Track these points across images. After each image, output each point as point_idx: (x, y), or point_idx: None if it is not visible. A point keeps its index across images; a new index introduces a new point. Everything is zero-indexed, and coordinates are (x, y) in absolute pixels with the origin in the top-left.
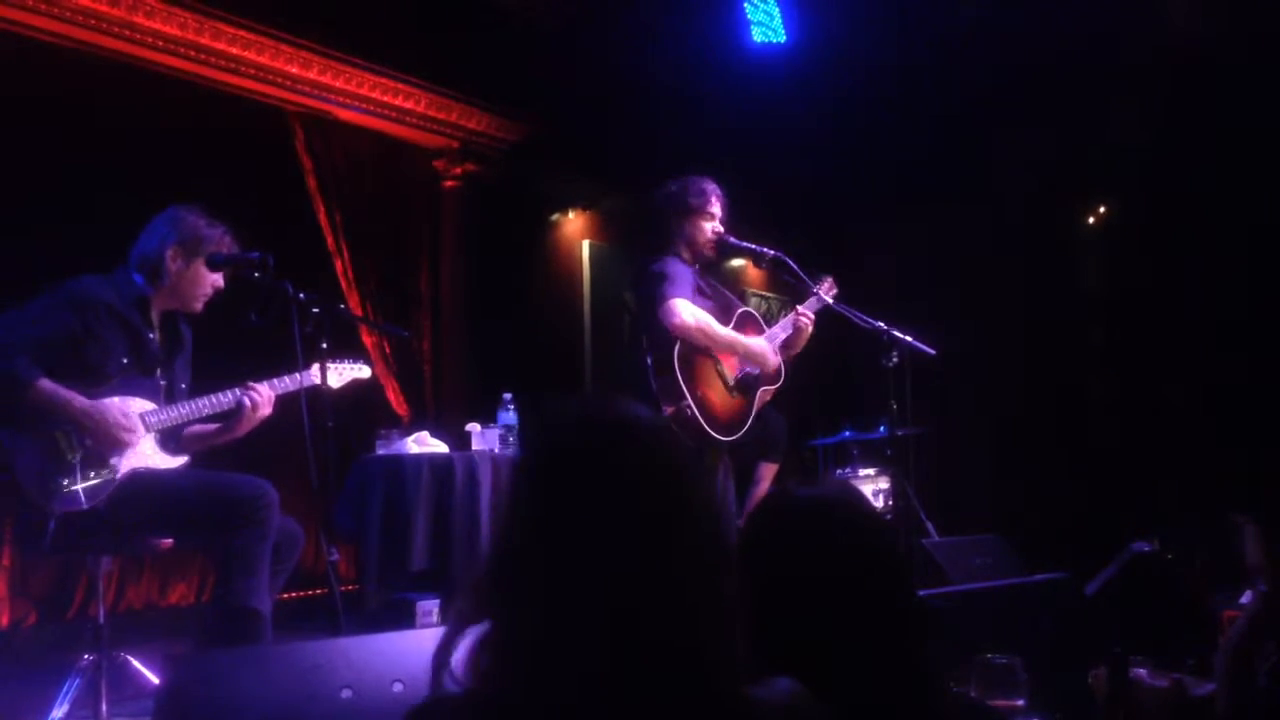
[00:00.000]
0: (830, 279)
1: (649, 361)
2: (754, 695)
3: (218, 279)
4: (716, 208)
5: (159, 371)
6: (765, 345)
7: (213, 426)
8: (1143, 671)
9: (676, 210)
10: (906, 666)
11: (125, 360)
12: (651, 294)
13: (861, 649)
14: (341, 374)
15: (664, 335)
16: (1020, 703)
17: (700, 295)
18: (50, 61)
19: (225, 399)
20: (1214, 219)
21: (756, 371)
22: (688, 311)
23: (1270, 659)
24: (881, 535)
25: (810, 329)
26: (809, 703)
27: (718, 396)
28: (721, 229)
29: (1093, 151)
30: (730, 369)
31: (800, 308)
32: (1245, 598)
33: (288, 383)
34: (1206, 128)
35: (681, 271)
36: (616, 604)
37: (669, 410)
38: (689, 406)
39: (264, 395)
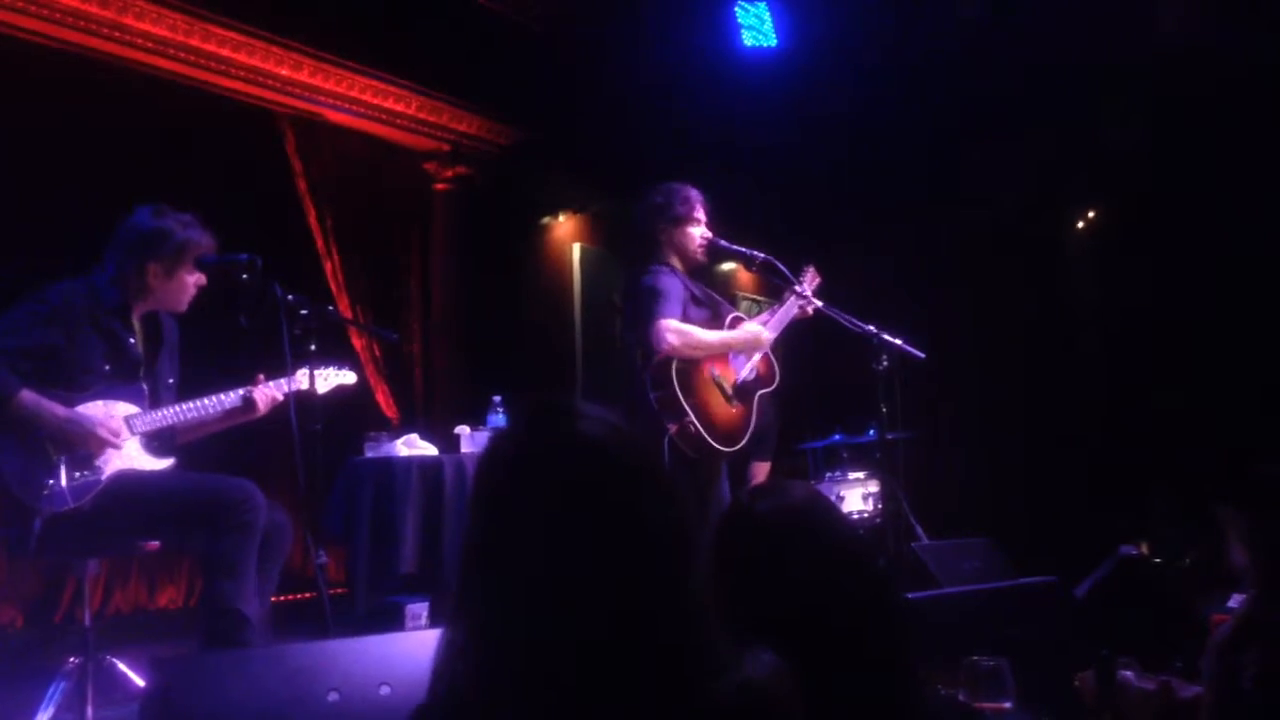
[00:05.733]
0: (812, 268)
1: (646, 377)
2: (729, 679)
3: (201, 277)
4: (702, 213)
5: (141, 374)
6: (755, 327)
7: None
8: (1130, 674)
9: (665, 219)
10: (891, 670)
11: (106, 368)
12: (641, 311)
13: (840, 656)
14: (327, 379)
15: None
16: (1008, 705)
17: (694, 304)
18: (39, 63)
19: (212, 405)
20: (1206, 223)
21: (753, 376)
22: (675, 335)
23: (1256, 662)
24: (848, 544)
25: (797, 312)
26: (781, 683)
27: (718, 407)
28: (709, 234)
29: (1085, 155)
30: (728, 377)
31: (792, 301)
32: (1233, 601)
33: (272, 387)
34: (1202, 130)
35: (672, 285)
36: (573, 605)
37: (673, 428)
38: (692, 423)
39: (264, 398)
